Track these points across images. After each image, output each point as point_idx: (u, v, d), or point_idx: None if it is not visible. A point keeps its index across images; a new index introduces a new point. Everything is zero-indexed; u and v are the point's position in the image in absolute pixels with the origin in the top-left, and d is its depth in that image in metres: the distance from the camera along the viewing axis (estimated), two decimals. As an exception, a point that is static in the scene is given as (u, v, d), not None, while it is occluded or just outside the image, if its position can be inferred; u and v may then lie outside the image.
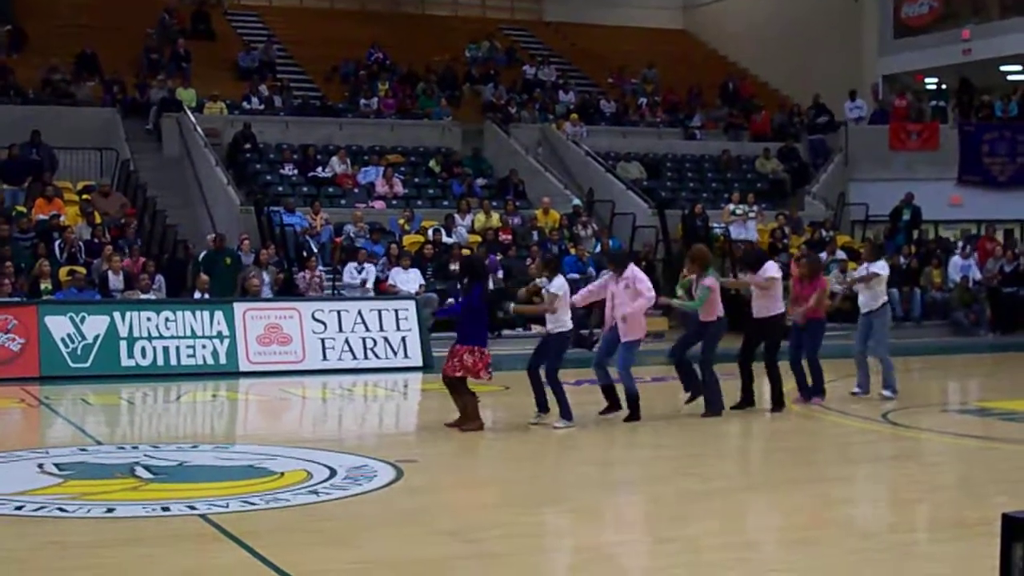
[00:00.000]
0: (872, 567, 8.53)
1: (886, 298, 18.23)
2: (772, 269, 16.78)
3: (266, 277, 24.83)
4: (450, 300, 15.17)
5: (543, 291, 15.34)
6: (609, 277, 15.79)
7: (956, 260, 30.81)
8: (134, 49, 36.62)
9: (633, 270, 15.67)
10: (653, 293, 15.64)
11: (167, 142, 32.77)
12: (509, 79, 39.91)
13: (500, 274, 26.39)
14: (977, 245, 32.19)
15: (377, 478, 11.60)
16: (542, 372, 15.23)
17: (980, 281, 30.50)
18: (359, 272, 25.61)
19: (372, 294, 25.09)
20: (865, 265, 18.23)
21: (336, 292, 25.42)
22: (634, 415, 15.52)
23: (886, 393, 17.70)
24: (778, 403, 16.60)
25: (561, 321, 15.21)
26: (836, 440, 15.14)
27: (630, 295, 15.36)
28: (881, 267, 18.10)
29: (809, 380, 17.25)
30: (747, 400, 16.66)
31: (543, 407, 15.35)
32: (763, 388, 16.82)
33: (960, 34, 37.78)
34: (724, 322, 16.14)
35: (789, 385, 17.12)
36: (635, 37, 46.36)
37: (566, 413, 15.18)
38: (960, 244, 32.45)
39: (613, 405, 15.74)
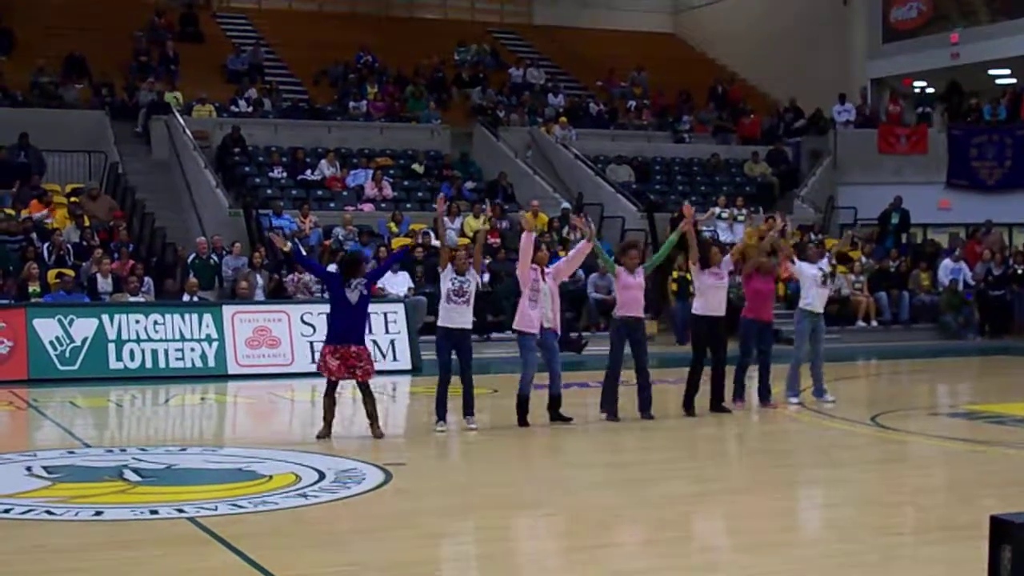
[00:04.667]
0: (859, 570, 8.55)
1: (807, 300, 17.63)
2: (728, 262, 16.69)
3: (259, 280, 24.81)
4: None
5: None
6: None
7: (947, 263, 30.84)
8: (123, 51, 36.56)
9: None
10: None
11: (156, 145, 32.73)
12: (498, 82, 39.91)
13: (487, 277, 26.37)
14: (966, 248, 32.23)
15: (366, 481, 11.61)
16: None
17: (969, 284, 30.52)
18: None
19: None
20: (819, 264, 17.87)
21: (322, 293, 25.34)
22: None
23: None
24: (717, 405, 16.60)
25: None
26: (822, 443, 15.15)
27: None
28: (806, 268, 17.71)
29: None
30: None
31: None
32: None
33: (949, 38, 37.81)
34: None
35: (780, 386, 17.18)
36: (624, 40, 46.37)
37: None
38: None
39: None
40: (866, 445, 14.87)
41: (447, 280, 14.84)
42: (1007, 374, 24.57)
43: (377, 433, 14.39)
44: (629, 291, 15.78)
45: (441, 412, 14.96)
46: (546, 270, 15.32)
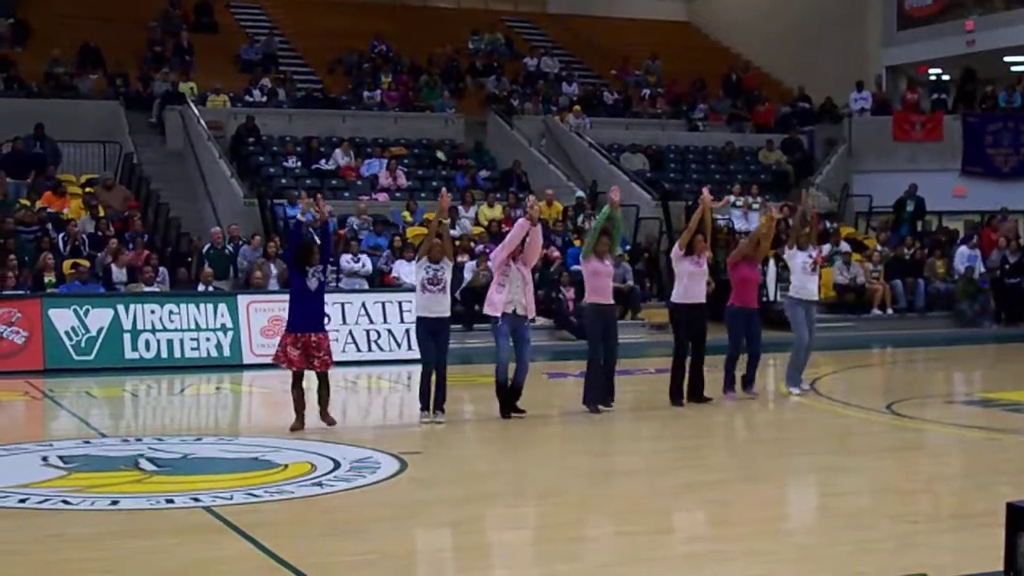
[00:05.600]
0: (875, 557, 8.54)
1: (796, 286, 17.22)
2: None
3: (273, 270, 24.85)
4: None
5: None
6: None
7: (963, 250, 30.70)
8: (137, 42, 36.59)
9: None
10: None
11: (171, 135, 32.75)
12: (512, 71, 39.89)
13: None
14: (982, 236, 32.11)
15: (381, 470, 11.63)
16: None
17: (984, 272, 30.41)
18: (356, 262, 25.64)
19: (367, 285, 25.14)
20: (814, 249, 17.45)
21: (336, 282, 25.34)
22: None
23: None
24: (696, 396, 16.24)
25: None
26: (838, 431, 15.14)
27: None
28: (798, 254, 17.23)
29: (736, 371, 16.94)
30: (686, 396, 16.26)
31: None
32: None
33: (964, 25, 37.69)
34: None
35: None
36: (638, 29, 46.32)
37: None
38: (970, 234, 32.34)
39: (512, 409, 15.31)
40: (882, 433, 14.85)
41: (421, 269, 14.70)
42: (1023, 362, 24.50)
43: (329, 420, 14.31)
44: (599, 277, 15.59)
45: (425, 402, 14.84)
46: (517, 256, 15.04)
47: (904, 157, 35.96)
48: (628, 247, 29.06)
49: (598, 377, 15.61)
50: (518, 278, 14.98)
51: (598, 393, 15.60)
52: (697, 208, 16.43)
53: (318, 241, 14.54)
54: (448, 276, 14.80)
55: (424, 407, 14.85)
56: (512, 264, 14.98)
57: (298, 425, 14.16)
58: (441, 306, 14.73)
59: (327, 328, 14.69)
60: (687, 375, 16.23)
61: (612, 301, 15.84)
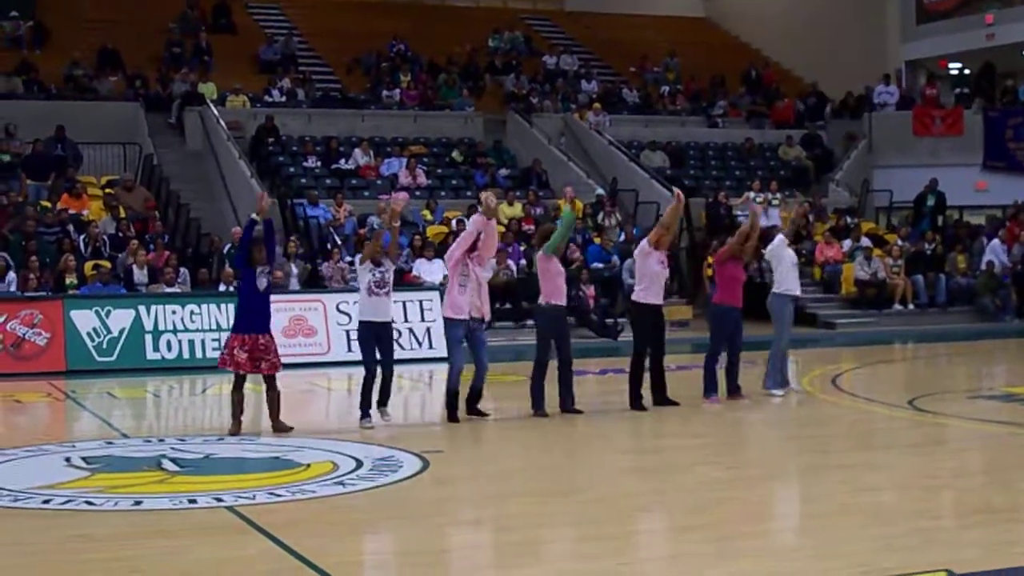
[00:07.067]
0: (898, 554, 8.52)
1: (786, 285, 16.89)
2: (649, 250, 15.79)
3: (294, 269, 24.88)
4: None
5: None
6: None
7: (995, 244, 30.47)
8: (156, 43, 36.67)
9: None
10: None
11: (190, 136, 32.82)
12: (531, 69, 39.87)
13: (523, 263, 26.41)
14: (1007, 230, 31.96)
15: (403, 469, 11.64)
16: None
17: (1007, 266, 30.28)
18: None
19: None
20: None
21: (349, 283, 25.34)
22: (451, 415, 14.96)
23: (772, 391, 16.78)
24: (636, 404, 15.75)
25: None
26: (861, 427, 15.11)
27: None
28: (787, 252, 17.01)
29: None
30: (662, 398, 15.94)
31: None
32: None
33: (983, 19, 37.59)
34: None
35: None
36: (657, 26, 46.31)
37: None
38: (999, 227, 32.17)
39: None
40: (904, 429, 14.82)
41: (366, 272, 14.45)
42: (1045, 356, 24.44)
43: (283, 428, 14.06)
44: (560, 277, 15.35)
45: (365, 409, 14.57)
46: (471, 255, 14.80)
47: (925, 152, 35.89)
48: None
49: (543, 380, 15.30)
50: (475, 279, 14.80)
51: (543, 397, 15.25)
52: (674, 205, 15.93)
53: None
54: (391, 277, 14.66)
55: (365, 414, 14.54)
56: (468, 264, 14.76)
57: (235, 430, 14.02)
58: (386, 309, 14.58)
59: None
60: (651, 377, 15.86)
61: (565, 303, 15.59)
